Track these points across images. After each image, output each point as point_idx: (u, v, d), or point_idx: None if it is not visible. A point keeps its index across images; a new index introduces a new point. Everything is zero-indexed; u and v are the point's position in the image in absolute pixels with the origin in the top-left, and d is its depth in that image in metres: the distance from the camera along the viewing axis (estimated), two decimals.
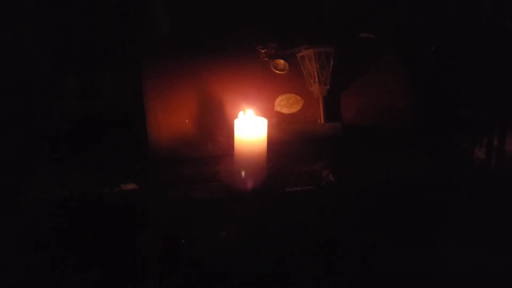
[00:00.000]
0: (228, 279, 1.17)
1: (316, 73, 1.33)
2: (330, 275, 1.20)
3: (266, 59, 1.40)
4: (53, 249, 1.16)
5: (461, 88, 1.56)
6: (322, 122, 1.34)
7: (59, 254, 1.16)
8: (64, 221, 1.19)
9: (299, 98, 1.36)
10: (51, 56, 1.49)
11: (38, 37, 1.48)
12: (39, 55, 1.48)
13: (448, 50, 1.59)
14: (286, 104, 1.36)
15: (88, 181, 1.28)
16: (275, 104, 1.35)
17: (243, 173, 1.21)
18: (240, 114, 1.23)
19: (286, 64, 1.39)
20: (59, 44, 1.49)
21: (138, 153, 1.35)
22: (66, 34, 1.50)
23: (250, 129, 1.20)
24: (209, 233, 1.19)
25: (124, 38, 1.52)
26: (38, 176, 1.31)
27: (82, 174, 1.31)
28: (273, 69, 1.38)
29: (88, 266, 1.16)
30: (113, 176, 1.29)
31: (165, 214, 1.20)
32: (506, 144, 1.45)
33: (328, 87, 1.34)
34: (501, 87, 1.50)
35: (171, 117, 1.32)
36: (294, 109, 1.36)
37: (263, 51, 1.40)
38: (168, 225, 1.19)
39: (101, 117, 1.50)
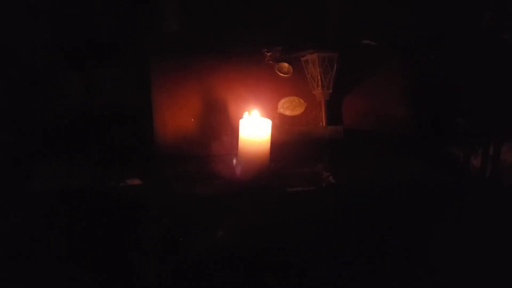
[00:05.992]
0: (225, 278, 1.19)
1: (319, 77, 1.36)
2: (328, 275, 1.22)
3: (271, 62, 1.42)
4: (54, 239, 1.17)
5: (459, 97, 1.58)
6: (324, 125, 1.37)
7: (59, 245, 1.17)
8: (67, 214, 1.20)
9: (302, 101, 1.39)
10: (55, 51, 1.49)
11: (43, 32, 1.48)
12: (43, 50, 1.48)
13: (448, 59, 1.61)
14: (289, 106, 1.38)
15: (92, 175, 1.30)
16: (279, 106, 1.38)
17: (245, 172, 1.23)
18: (245, 114, 1.26)
19: (290, 67, 1.42)
20: (63, 39, 1.50)
21: (142, 149, 1.37)
22: (71, 30, 1.50)
23: (255, 129, 1.22)
24: (208, 231, 1.20)
25: (132, 35, 1.53)
26: (42, 170, 1.32)
27: (86, 168, 1.32)
28: (278, 72, 1.41)
29: (87, 257, 1.17)
30: (118, 171, 1.31)
31: (167, 210, 1.21)
32: (501, 154, 1.48)
33: (331, 91, 1.37)
34: (498, 97, 1.52)
35: (177, 115, 1.34)
36: (297, 111, 1.39)
37: (268, 54, 1.43)
38: (168, 222, 1.20)
39: (103, 113, 1.50)
